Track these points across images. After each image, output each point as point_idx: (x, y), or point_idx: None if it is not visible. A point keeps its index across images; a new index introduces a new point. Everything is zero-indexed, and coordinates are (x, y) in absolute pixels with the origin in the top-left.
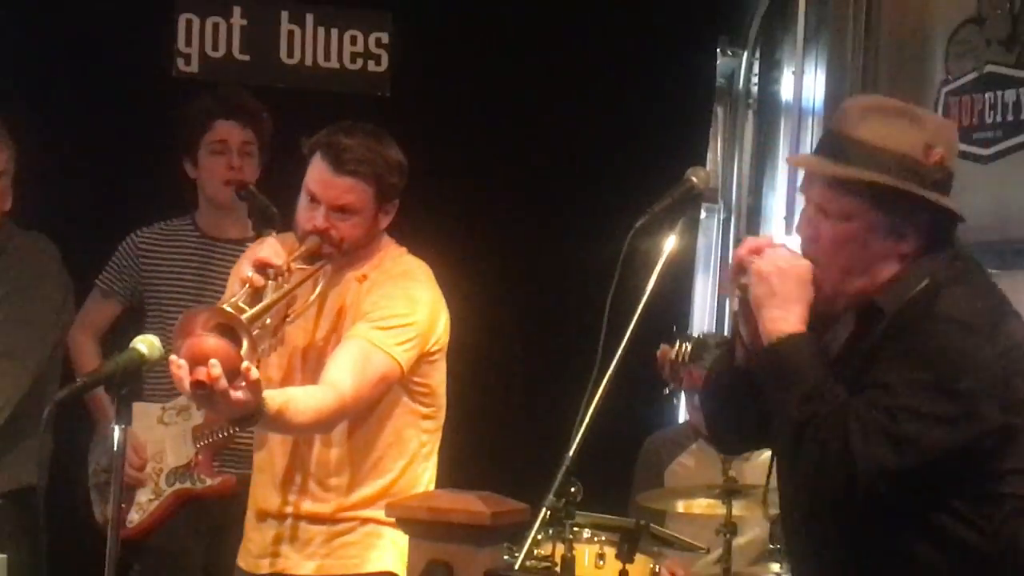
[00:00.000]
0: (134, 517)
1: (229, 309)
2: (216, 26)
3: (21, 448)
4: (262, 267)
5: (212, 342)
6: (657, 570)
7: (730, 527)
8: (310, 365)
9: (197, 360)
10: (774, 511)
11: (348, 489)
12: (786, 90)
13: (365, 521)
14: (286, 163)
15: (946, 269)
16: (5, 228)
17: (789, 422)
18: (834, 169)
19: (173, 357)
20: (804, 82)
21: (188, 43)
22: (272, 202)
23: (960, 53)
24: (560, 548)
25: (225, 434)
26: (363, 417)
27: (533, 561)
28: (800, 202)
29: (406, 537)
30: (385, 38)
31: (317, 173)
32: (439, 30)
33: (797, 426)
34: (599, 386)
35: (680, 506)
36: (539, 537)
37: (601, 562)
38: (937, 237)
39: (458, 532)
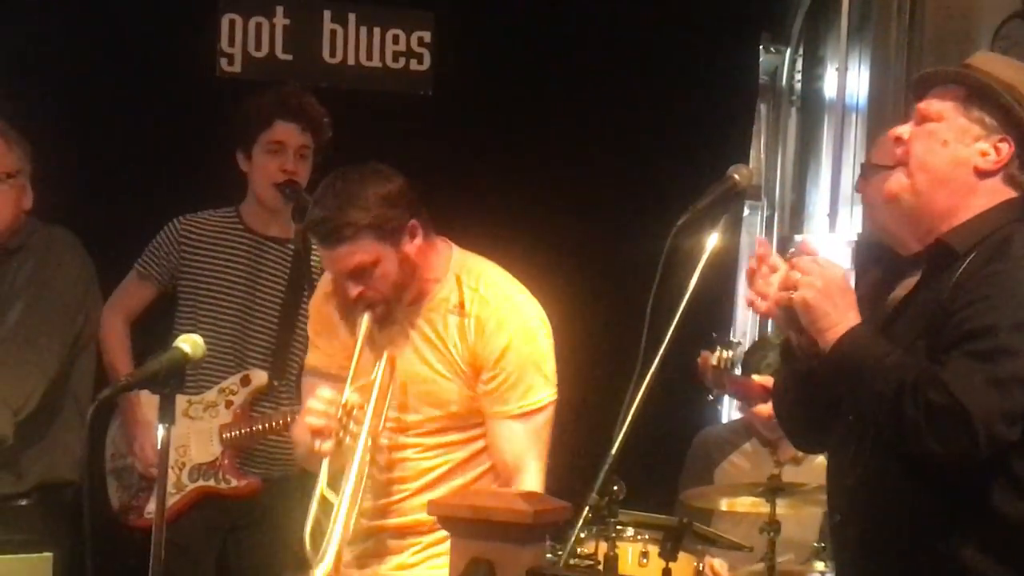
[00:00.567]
0: (151, 508)
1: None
2: (259, 26)
3: (51, 440)
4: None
5: None
6: (701, 568)
7: (774, 525)
8: (416, 389)
9: None
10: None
11: None
12: (829, 87)
13: None
14: (330, 163)
15: (1017, 212)
16: (28, 225)
17: (882, 400)
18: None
19: None
20: (848, 79)
21: (231, 43)
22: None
23: (1006, 48)
24: (603, 546)
25: (253, 431)
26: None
27: (576, 559)
28: (843, 199)
29: None
30: (427, 37)
31: (320, 252)
32: (481, 28)
33: (892, 400)
34: (642, 384)
35: (724, 504)
36: (582, 535)
37: (644, 560)
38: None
39: (500, 530)
